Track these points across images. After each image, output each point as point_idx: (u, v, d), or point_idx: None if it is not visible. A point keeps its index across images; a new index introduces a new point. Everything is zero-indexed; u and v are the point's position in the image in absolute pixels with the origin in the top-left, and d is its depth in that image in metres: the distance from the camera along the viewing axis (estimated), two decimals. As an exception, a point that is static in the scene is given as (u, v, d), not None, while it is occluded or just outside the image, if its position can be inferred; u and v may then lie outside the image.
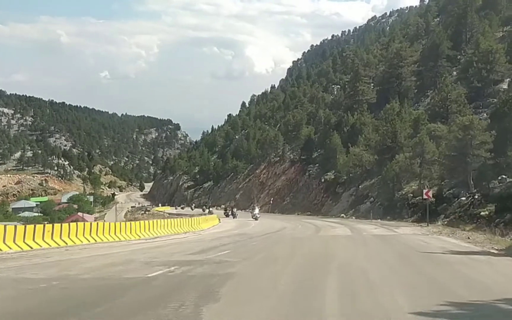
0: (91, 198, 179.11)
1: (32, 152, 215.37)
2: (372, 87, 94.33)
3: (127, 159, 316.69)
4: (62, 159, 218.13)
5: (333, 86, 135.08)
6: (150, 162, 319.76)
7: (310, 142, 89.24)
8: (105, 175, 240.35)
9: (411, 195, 55.09)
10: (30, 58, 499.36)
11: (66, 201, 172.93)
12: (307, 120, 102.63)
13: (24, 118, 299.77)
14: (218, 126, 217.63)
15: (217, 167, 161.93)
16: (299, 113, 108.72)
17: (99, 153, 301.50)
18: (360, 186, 69.83)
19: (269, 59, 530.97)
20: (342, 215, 65.20)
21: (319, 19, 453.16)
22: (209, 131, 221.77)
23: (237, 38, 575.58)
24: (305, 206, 79.67)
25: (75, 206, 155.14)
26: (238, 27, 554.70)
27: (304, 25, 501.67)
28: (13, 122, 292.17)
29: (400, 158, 56.08)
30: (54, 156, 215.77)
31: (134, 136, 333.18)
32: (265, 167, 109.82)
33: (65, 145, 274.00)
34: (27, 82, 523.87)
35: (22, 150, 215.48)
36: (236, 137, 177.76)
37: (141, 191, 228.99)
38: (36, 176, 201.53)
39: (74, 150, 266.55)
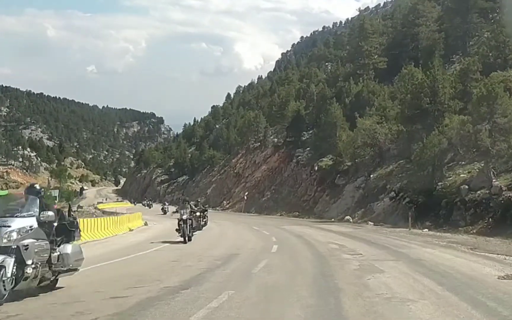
0: (56, 193, 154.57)
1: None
2: (380, 51, 69.75)
3: (106, 153, 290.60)
4: (29, 150, 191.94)
5: (326, 63, 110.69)
6: (132, 156, 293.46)
7: (299, 120, 64.76)
8: (76, 168, 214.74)
9: (465, 187, 30.96)
10: (15, 52, 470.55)
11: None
12: (296, 97, 77.90)
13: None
14: (201, 118, 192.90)
15: (193, 159, 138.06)
16: (285, 89, 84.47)
17: (77, 146, 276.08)
18: (372, 176, 45.60)
19: (258, 56, 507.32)
20: (348, 217, 40.94)
21: (309, 17, 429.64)
22: (191, 124, 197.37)
23: (225, 34, 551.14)
24: (291, 203, 55.41)
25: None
26: (226, 23, 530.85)
27: (293, 22, 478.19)
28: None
29: (454, 122, 31.77)
30: (20, 147, 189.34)
31: (115, 130, 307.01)
32: (242, 155, 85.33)
33: (41, 137, 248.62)
34: (11, 76, 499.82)
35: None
36: (217, 126, 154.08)
37: (117, 186, 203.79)
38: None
39: (49, 142, 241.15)
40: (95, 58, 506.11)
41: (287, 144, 67.06)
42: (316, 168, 54.74)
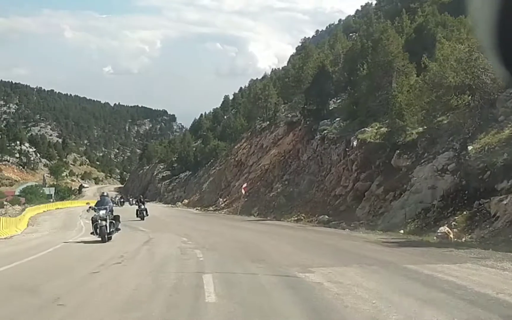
0: (52, 190, 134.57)
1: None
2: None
3: (117, 150, 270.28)
4: (27, 146, 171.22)
5: (351, 33, 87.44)
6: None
7: (324, 79, 41.78)
8: (80, 165, 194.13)
9: None
10: (32, 52, 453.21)
11: (18, 193, 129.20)
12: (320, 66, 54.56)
13: (8, 105, 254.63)
14: (209, 111, 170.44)
15: (197, 152, 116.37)
16: (302, 57, 61.75)
17: (88, 143, 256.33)
18: (470, 147, 22.86)
19: (272, 56, 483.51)
20: (443, 229, 18.26)
21: (322, 16, 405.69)
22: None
23: (239, 34, 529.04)
24: (315, 200, 32.55)
25: (22, 199, 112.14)
26: (240, 24, 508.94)
27: (306, 22, 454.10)
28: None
29: None
30: (17, 142, 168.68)
31: (127, 127, 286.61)
32: (246, 140, 62.84)
33: (51, 135, 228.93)
34: (27, 76, 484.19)
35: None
36: (225, 117, 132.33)
37: (122, 183, 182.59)
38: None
39: (59, 140, 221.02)
40: (111, 59, 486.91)
41: (306, 115, 44.13)
42: (354, 143, 31.88)
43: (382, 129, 30.65)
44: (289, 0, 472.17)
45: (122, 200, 62.22)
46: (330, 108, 42.30)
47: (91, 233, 18.27)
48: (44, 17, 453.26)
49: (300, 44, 76.93)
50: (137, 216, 32.67)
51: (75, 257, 12.99)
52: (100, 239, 17.38)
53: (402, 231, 21.07)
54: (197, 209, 54.73)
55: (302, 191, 35.38)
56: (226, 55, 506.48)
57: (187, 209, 55.98)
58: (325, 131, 38.35)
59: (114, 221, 18.43)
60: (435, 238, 17.44)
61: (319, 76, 42.31)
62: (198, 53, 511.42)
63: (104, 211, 17.96)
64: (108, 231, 17.75)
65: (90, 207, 20.17)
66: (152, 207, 64.44)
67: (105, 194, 20.21)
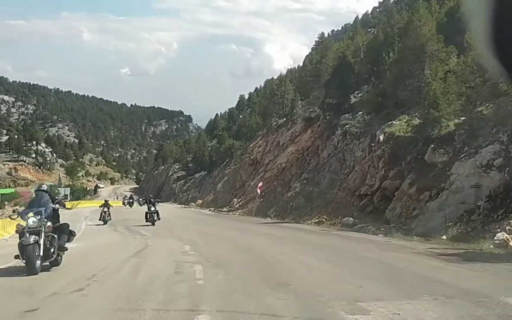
0: (67, 190, 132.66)
1: (8, 136, 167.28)
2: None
3: (134, 151, 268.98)
4: (43, 146, 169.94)
5: (369, 29, 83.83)
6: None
7: (345, 70, 38.45)
8: (96, 165, 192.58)
9: None
10: (52, 54, 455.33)
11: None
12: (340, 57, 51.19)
13: (26, 106, 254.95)
14: (225, 110, 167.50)
15: (212, 151, 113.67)
16: (320, 51, 58.56)
17: (104, 144, 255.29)
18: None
19: (287, 57, 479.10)
20: (500, 240, 15.02)
21: (337, 17, 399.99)
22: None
23: (255, 35, 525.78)
24: (337, 200, 29.23)
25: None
26: (256, 25, 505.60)
27: (322, 22, 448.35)
28: (13, 110, 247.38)
29: None
30: (34, 142, 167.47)
31: (143, 128, 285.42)
32: (262, 137, 59.75)
33: (68, 135, 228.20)
34: (47, 78, 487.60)
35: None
36: (240, 117, 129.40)
37: (138, 184, 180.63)
38: (7, 164, 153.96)
39: (75, 140, 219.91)
40: (128, 60, 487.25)
41: (326, 109, 40.89)
42: (380, 137, 28.58)
43: (414, 121, 27.38)
44: (304, 1, 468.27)
45: (131, 200, 59.42)
46: (352, 102, 38.99)
47: (15, 257, 10.33)
48: (63, 20, 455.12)
49: (316, 41, 73.03)
50: (147, 221, 26.36)
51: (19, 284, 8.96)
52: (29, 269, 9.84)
53: (444, 237, 17.84)
54: (210, 210, 51.85)
55: (322, 190, 32.19)
56: (241, 56, 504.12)
57: (199, 210, 53.12)
58: (346, 126, 35.08)
59: (55, 235, 10.72)
60: (491, 246, 14.21)
61: (340, 67, 39.07)
62: (214, 54, 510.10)
63: (34, 219, 10.43)
64: (40, 253, 10.13)
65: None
66: (163, 208, 61.80)
67: (43, 188, 12.36)
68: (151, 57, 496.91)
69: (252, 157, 55.70)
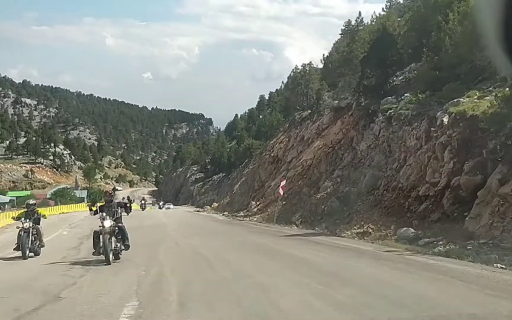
0: (83, 193, 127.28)
1: (25, 138, 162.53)
2: None
3: (154, 154, 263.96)
4: (61, 148, 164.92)
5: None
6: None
7: (384, 47, 30.64)
8: (115, 168, 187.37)
9: None
10: (76, 59, 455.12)
11: (49, 196, 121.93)
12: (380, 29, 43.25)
13: (48, 109, 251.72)
14: (245, 111, 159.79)
15: (231, 152, 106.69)
16: (351, 32, 50.77)
17: (125, 147, 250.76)
18: None
19: (307, 60, 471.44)
20: None
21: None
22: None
23: (275, 40, 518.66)
24: (384, 206, 21.66)
25: (51, 202, 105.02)
26: (276, 29, 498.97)
27: (341, 27, 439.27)
28: (35, 113, 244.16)
29: None
30: (52, 144, 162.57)
31: (164, 131, 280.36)
32: (284, 132, 52.22)
33: (89, 138, 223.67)
34: (73, 83, 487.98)
35: (14, 136, 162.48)
36: (260, 117, 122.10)
37: (157, 186, 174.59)
38: (25, 166, 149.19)
39: (94, 143, 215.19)
40: (151, 65, 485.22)
41: (362, 93, 33.07)
42: (444, 120, 20.78)
43: (489, 97, 19.63)
44: (324, 5, 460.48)
45: (143, 202, 54.91)
46: (394, 83, 31.27)
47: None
48: (87, 26, 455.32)
49: (343, 29, 64.98)
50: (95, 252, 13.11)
51: None
52: None
53: None
54: (223, 214, 44.51)
55: (362, 190, 24.50)
56: (262, 60, 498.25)
57: (212, 215, 45.76)
58: (390, 111, 27.39)
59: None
60: None
61: (379, 42, 31.35)
62: (234, 58, 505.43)
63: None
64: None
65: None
66: (171, 213, 54.44)
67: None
68: (173, 61, 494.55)
69: (272, 154, 48.20)
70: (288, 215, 28.15)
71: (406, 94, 28.04)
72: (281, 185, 27.57)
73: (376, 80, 31.00)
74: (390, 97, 29.32)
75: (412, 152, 22.57)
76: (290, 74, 53.51)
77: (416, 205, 20.01)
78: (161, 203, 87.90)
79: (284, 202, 29.43)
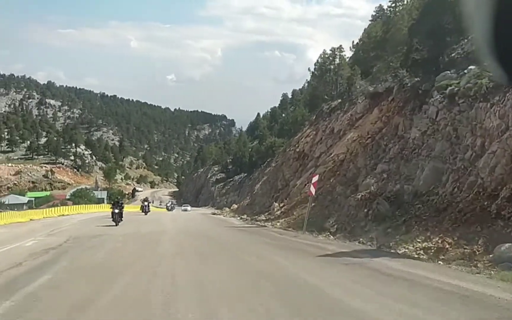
0: (103, 194, 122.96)
1: (46, 138, 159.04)
2: None
3: (177, 155, 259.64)
4: (82, 148, 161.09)
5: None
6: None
7: (438, 12, 24.26)
8: (136, 168, 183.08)
9: None
10: (101, 62, 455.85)
11: (69, 197, 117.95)
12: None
13: (72, 110, 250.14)
14: (267, 110, 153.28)
15: (253, 151, 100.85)
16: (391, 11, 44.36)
17: (148, 148, 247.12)
18: None
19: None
20: None
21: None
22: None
23: (298, 41, 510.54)
24: (457, 209, 15.35)
25: (70, 203, 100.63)
26: (298, 31, 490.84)
27: (364, 28, 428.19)
28: (59, 114, 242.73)
29: None
30: (73, 144, 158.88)
31: (186, 132, 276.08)
32: (310, 125, 45.89)
33: (112, 139, 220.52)
34: (98, 85, 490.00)
35: (35, 136, 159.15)
36: (283, 115, 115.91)
37: (178, 187, 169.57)
38: (45, 167, 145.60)
39: (116, 144, 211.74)
40: (174, 67, 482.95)
41: (410, 69, 26.62)
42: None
43: None
44: (346, 6, 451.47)
45: (146, 204, 46.50)
46: (452, 55, 24.79)
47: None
48: (112, 29, 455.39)
49: (373, 15, 58.30)
50: None
51: None
52: None
53: None
54: (241, 218, 38.32)
55: (420, 189, 18.14)
56: (284, 62, 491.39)
57: (229, 219, 39.57)
58: (451, 87, 20.97)
59: None
60: None
61: (432, 5, 24.94)
62: (257, 60, 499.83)
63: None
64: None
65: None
66: (185, 215, 48.75)
67: None
68: (196, 64, 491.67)
69: (298, 150, 41.89)
70: (319, 220, 21.86)
71: (470, 67, 21.57)
72: (313, 181, 21.17)
73: (429, 53, 24.60)
74: (448, 72, 22.91)
75: (494, 136, 16.16)
76: (317, 60, 47.34)
77: (509, 207, 13.65)
78: (168, 204, 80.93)
79: (313, 204, 23.17)
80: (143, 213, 42.20)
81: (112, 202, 31.24)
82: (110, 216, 27.42)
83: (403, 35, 28.98)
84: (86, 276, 9.66)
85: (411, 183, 19.10)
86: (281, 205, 35.53)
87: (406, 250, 13.90)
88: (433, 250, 13.18)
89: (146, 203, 45.69)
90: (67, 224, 28.11)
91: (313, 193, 21.15)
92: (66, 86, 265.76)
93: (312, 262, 11.52)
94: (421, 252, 13.42)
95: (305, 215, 22.55)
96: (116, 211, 27.16)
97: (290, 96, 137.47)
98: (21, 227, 26.32)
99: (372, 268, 10.17)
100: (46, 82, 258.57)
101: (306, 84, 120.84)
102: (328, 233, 19.68)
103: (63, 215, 41.52)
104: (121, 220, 27.43)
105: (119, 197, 38.93)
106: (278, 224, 28.26)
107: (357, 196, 21.03)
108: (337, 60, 44.05)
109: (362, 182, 22.90)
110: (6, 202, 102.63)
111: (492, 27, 1.40)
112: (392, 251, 14.19)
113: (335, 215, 21.95)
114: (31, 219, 33.62)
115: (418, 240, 14.51)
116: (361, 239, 16.70)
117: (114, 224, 26.25)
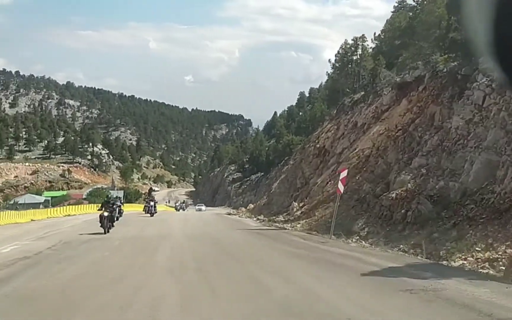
0: (120, 193, 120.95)
1: (64, 137, 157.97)
2: None
3: (194, 155, 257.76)
4: (100, 148, 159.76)
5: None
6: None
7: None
8: (153, 168, 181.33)
9: None
10: (120, 63, 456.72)
11: (85, 196, 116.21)
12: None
13: (90, 110, 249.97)
14: (284, 109, 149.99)
15: (270, 150, 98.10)
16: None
17: (165, 148, 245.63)
18: None
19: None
20: None
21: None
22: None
23: (314, 42, 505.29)
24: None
25: (86, 202, 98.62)
26: (314, 31, 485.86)
27: (380, 28, 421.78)
28: (78, 114, 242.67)
29: None
30: (90, 144, 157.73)
31: (204, 132, 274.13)
32: (331, 120, 42.82)
33: (130, 139, 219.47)
34: (118, 86, 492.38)
35: (53, 136, 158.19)
36: (300, 113, 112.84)
37: (195, 187, 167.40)
38: (62, 166, 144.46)
39: (133, 143, 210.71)
40: (192, 68, 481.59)
41: (449, 50, 23.58)
42: None
43: None
44: (363, 6, 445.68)
45: (151, 204, 39.87)
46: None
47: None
48: (131, 30, 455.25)
49: (395, 6, 54.48)
50: None
51: None
52: None
53: None
54: (258, 219, 35.37)
55: (470, 185, 15.08)
56: (300, 62, 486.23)
57: (245, 220, 36.58)
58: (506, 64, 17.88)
59: None
60: None
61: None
62: (274, 60, 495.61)
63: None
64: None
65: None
66: (198, 215, 46.17)
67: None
68: (213, 64, 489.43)
69: (318, 146, 38.84)
70: (346, 222, 18.86)
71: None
72: (341, 177, 17.91)
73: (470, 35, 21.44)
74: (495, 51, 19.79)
75: None
76: (338, 51, 43.91)
77: None
78: (177, 204, 76.03)
79: (338, 204, 20.16)
80: (148, 215, 36.73)
81: (102, 202, 23.06)
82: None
83: (436, 17, 25.86)
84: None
85: (458, 179, 16.03)
86: (301, 204, 32.55)
87: (464, 262, 10.89)
88: (501, 262, 10.14)
89: (152, 203, 38.43)
90: (67, 226, 25.58)
91: (342, 190, 18.10)
92: (85, 86, 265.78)
93: (363, 289, 7.94)
94: (486, 264, 10.39)
95: (328, 216, 19.63)
96: (106, 214, 20.59)
97: (307, 95, 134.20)
98: (15, 228, 23.78)
99: (453, 301, 6.79)
100: (65, 83, 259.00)
101: (324, 82, 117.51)
102: (358, 237, 16.70)
103: (69, 215, 39.10)
104: (113, 226, 21.39)
105: (110, 195, 30.70)
106: (298, 226, 25.28)
107: (391, 195, 17.99)
108: (359, 51, 40.93)
109: (395, 179, 19.83)
110: (22, 202, 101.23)
111: (492, 27, 1.36)
112: (444, 262, 11.15)
113: (364, 216, 18.93)
114: (32, 220, 31.22)
115: (477, 248, 11.49)
116: (401, 246, 13.69)
117: (103, 231, 20.14)
